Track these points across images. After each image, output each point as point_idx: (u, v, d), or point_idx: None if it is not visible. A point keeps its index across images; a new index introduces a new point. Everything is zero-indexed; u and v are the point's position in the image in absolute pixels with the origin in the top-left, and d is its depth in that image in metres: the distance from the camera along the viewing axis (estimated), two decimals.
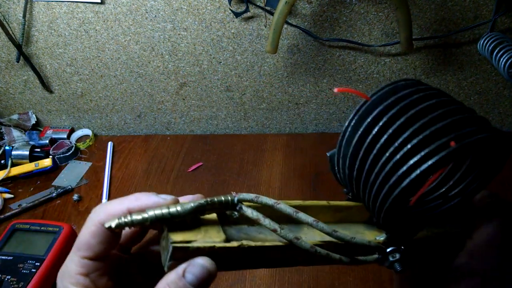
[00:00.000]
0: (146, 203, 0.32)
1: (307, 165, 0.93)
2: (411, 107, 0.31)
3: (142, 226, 0.31)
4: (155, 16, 0.88)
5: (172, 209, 0.31)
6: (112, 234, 0.32)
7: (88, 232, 0.32)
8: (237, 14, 0.83)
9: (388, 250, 0.36)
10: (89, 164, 1.00)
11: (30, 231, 0.81)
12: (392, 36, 0.85)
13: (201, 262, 0.31)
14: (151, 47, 0.93)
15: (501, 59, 0.70)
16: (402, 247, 0.36)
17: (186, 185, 0.92)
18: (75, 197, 0.90)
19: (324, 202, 0.35)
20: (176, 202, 0.33)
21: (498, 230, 0.37)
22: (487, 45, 0.75)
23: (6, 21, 0.91)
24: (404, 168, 0.29)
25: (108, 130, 1.11)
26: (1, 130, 1.06)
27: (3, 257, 0.76)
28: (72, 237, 0.77)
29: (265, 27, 0.86)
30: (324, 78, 0.94)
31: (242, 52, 0.91)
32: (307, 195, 0.86)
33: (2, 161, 0.99)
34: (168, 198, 0.33)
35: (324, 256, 0.33)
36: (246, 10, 0.83)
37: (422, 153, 0.28)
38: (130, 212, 0.31)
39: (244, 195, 0.33)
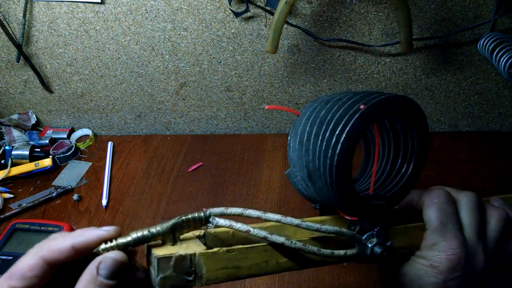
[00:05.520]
0: (88, 238, 0.33)
1: None
2: (328, 102, 0.38)
3: (127, 247, 0.33)
4: (155, 16, 0.88)
5: (153, 229, 0.34)
6: (49, 270, 0.32)
7: (26, 264, 0.32)
8: (237, 14, 0.83)
9: (364, 237, 0.39)
10: (89, 164, 1.00)
11: (30, 231, 0.81)
12: (392, 36, 0.85)
13: (112, 256, 0.32)
14: (151, 47, 0.93)
15: (501, 59, 0.70)
16: (376, 229, 0.39)
17: (186, 185, 0.92)
18: (75, 197, 0.90)
19: (298, 221, 0.37)
20: (119, 232, 0.34)
21: (434, 216, 0.41)
22: (487, 45, 0.75)
23: (6, 21, 0.91)
24: (334, 139, 0.35)
25: (108, 130, 1.11)
26: (1, 130, 1.06)
27: (3, 257, 0.76)
28: None
29: (265, 27, 0.86)
30: (324, 78, 0.94)
31: (242, 52, 0.91)
32: None
33: (2, 161, 0.99)
34: (110, 229, 0.34)
35: (301, 248, 0.35)
36: (246, 10, 0.83)
37: (343, 121, 0.35)
38: (76, 249, 0.32)
39: (215, 209, 0.36)
